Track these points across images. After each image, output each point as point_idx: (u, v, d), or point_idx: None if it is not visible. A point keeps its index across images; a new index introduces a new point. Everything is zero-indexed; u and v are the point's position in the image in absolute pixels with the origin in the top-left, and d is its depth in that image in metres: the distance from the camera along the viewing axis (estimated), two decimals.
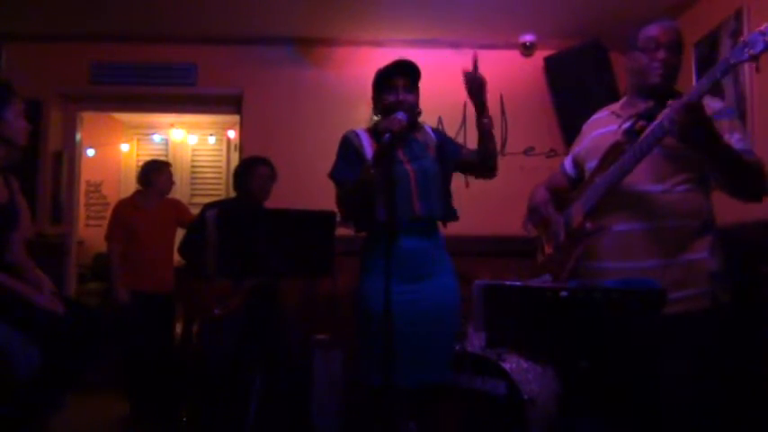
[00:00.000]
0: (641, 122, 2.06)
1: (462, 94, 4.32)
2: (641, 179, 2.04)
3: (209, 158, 6.79)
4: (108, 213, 4.56)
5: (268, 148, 3.99)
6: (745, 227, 2.57)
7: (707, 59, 3.43)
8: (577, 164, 2.36)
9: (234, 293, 3.43)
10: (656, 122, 1.94)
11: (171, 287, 4.21)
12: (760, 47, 1.69)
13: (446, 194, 2.49)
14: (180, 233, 4.09)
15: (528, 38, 4.32)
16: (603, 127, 2.22)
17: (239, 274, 2.95)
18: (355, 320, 2.47)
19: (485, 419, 2.17)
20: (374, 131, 2.49)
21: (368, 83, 2.54)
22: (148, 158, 5.01)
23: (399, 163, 2.39)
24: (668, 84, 2.10)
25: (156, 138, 6.76)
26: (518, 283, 2.00)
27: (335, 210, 2.51)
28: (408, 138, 2.45)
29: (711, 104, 2.01)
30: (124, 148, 6.73)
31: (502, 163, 4.33)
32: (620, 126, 2.14)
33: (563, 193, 2.37)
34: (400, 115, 2.34)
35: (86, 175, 5.87)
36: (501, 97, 4.45)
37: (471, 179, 4.25)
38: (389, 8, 3.94)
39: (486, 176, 2.56)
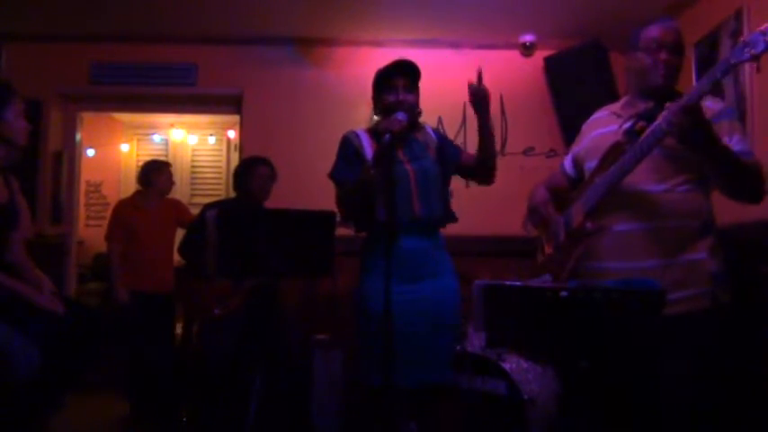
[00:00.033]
0: (641, 123, 2.06)
1: (462, 94, 4.32)
2: (642, 179, 2.04)
3: (209, 158, 6.79)
4: (108, 213, 4.56)
5: (268, 148, 3.99)
6: (744, 227, 2.57)
7: (707, 59, 3.43)
8: (577, 164, 2.36)
9: (234, 293, 3.43)
10: (655, 123, 1.94)
11: (171, 287, 4.21)
12: (761, 47, 1.69)
13: (445, 196, 2.49)
14: (180, 233, 4.10)
15: (528, 38, 4.32)
16: (603, 127, 2.22)
17: (239, 274, 2.95)
18: (355, 320, 2.47)
19: (485, 419, 2.17)
20: (374, 132, 2.49)
21: (368, 83, 2.54)
22: (148, 158, 5.02)
23: (399, 163, 2.39)
24: (670, 84, 2.10)
25: (156, 138, 6.77)
26: (518, 283, 2.00)
27: (335, 210, 2.51)
28: (408, 138, 2.45)
29: (711, 105, 2.01)
30: (124, 148, 6.73)
31: (502, 163, 4.33)
32: (620, 126, 2.14)
33: (563, 192, 2.37)
34: (400, 115, 2.34)
35: (86, 175, 5.88)
36: (501, 97, 4.45)
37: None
38: (389, 8, 3.94)
39: (485, 182, 2.56)
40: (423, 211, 2.38)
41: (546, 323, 1.86)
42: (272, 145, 4.21)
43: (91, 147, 6.26)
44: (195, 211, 4.01)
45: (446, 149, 2.55)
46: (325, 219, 2.50)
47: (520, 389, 2.10)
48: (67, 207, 4.59)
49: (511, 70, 4.45)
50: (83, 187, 5.83)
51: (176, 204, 4.46)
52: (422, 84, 2.51)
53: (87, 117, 5.01)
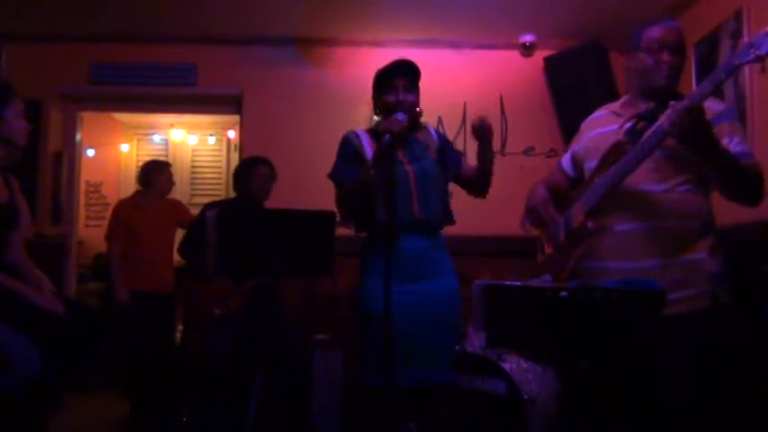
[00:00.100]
0: (642, 123, 2.06)
1: (462, 94, 4.33)
2: (643, 179, 2.04)
3: (209, 158, 6.79)
4: (108, 213, 4.56)
5: (268, 148, 3.99)
6: (744, 227, 2.57)
7: (707, 60, 3.44)
8: (576, 163, 2.35)
9: (234, 293, 3.43)
10: (657, 123, 1.94)
11: (171, 287, 4.21)
12: (766, 48, 1.69)
13: (445, 197, 2.49)
14: (180, 233, 4.10)
15: (528, 38, 4.32)
16: (603, 126, 2.22)
17: (239, 274, 2.95)
18: (355, 320, 2.47)
19: (485, 419, 2.17)
20: (374, 132, 2.49)
21: (368, 83, 2.54)
22: (148, 159, 5.02)
23: (399, 164, 2.39)
24: (672, 85, 2.10)
25: (156, 138, 6.76)
26: (518, 283, 2.00)
27: (335, 210, 2.51)
28: (409, 138, 2.45)
29: (712, 106, 2.01)
30: (124, 148, 6.73)
31: (502, 163, 4.40)
32: (621, 126, 2.13)
33: (561, 192, 2.37)
34: (400, 116, 2.34)
35: (86, 175, 5.88)
36: (501, 97, 4.45)
37: None
38: (389, 8, 3.94)
39: (479, 196, 2.57)
40: (422, 212, 2.38)
41: (546, 323, 1.86)
42: (272, 145, 4.21)
43: (91, 147, 6.25)
44: (195, 211, 4.01)
45: (447, 153, 2.55)
46: (325, 219, 2.50)
47: (520, 389, 2.10)
48: (67, 207, 4.60)
49: (511, 70, 4.45)
50: (83, 187, 5.83)
51: (176, 204, 4.46)
52: (422, 84, 2.51)
53: (87, 117, 5.01)
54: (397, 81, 2.43)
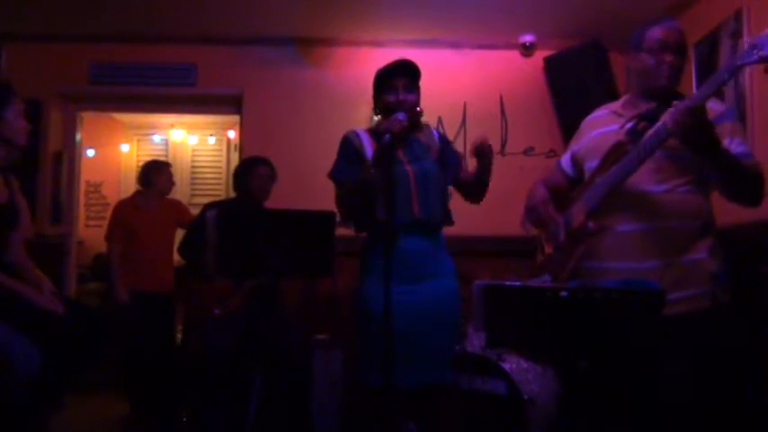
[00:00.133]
0: (643, 123, 2.06)
1: (462, 94, 4.33)
2: (643, 180, 2.04)
3: (209, 158, 6.79)
4: (108, 213, 4.56)
5: (268, 148, 3.99)
6: (744, 227, 2.57)
7: (707, 60, 3.44)
8: (576, 163, 2.35)
9: (234, 293, 3.43)
10: (659, 123, 1.94)
11: (171, 287, 4.21)
12: None
13: (445, 197, 2.49)
14: (180, 233, 4.10)
15: (528, 38, 4.33)
16: (604, 126, 2.22)
17: (239, 274, 2.96)
18: (355, 321, 2.47)
19: (485, 419, 2.17)
20: (375, 132, 2.49)
21: (368, 83, 2.54)
22: (148, 159, 5.01)
23: (400, 164, 2.39)
24: (673, 86, 2.11)
25: (156, 138, 6.76)
26: (518, 283, 2.00)
27: (335, 210, 2.51)
28: (409, 138, 2.45)
29: (713, 107, 2.01)
30: (124, 148, 6.72)
31: (502, 163, 4.40)
32: (622, 126, 2.13)
33: (560, 191, 2.37)
34: (400, 116, 2.34)
35: (86, 175, 5.88)
36: (501, 97, 4.45)
37: None
38: (389, 8, 3.94)
39: (472, 201, 2.58)
40: (422, 213, 2.38)
41: (546, 323, 1.86)
42: (272, 145, 4.21)
43: (91, 147, 6.25)
44: (195, 211, 4.01)
45: (447, 154, 2.55)
46: (325, 219, 2.50)
47: (520, 389, 2.09)
48: (67, 207, 4.59)
49: (511, 70, 4.45)
50: (83, 187, 5.83)
51: (176, 205, 4.46)
52: (422, 84, 2.51)
53: (87, 117, 5.01)
54: (398, 81, 2.43)
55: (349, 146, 2.49)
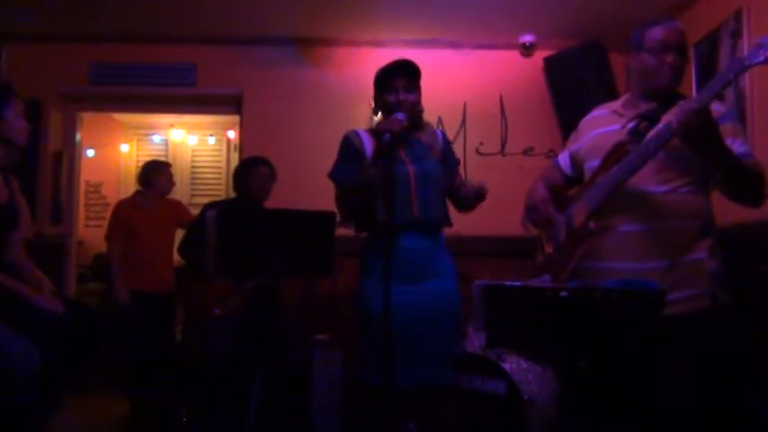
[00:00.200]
0: (644, 123, 2.06)
1: (462, 94, 4.33)
2: (645, 180, 2.04)
3: (209, 159, 6.79)
4: (108, 214, 4.56)
5: (268, 148, 3.99)
6: (744, 227, 2.57)
7: (707, 60, 3.44)
8: (576, 162, 2.35)
9: (234, 293, 3.43)
10: (662, 123, 1.94)
11: (171, 287, 4.21)
12: None
13: (445, 198, 2.49)
14: (180, 233, 4.10)
15: (528, 38, 4.33)
16: (604, 126, 2.22)
17: (239, 274, 2.95)
18: (355, 321, 2.47)
19: (485, 419, 2.17)
20: (375, 132, 2.49)
21: (368, 83, 2.54)
22: (148, 159, 5.02)
23: (401, 163, 2.38)
24: (674, 86, 2.11)
25: (156, 138, 6.76)
26: (518, 283, 2.00)
27: (335, 210, 2.50)
28: (410, 138, 2.44)
29: (715, 107, 2.01)
30: (124, 148, 6.73)
31: (502, 163, 4.40)
32: (623, 126, 2.13)
33: (558, 190, 2.37)
34: (400, 116, 2.34)
35: (86, 175, 5.88)
36: (501, 97, 4.45)
37: (471, 179, 4.25)
38: (389, 8, 3.94)
39: (460, 211, 2.57)
40: (421, 212, 2.38)
41: (546, 323, 1.86)
42: (272, 145, 4.21)
43: (91, 147, 6.25)
44: (195, 211, 4.01)
45: (449, 158, 2.55)
46: (325, 219, 2.50)
47: (520, 389, 2.10)
48: (67, 207, 4.59)
49: (511, 70, 4.46)
50: (83, 187, 5.83)
51: (176, 205, 4.46)
52: (422, 84, 2.51)
53: (87, 117, 5.01)
54: (398, 81, 2.43)
55: (349, 146, 2.49)
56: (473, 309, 2.10)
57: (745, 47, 3.12)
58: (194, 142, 6.76)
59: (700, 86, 3.46)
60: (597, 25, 4.00)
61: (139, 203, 4.30)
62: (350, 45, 4.42)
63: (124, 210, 4.29)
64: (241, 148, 4.55)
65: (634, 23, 2.20)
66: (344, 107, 4.34)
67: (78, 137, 4.75)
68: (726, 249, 2.10)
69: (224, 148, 6.74)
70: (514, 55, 4.43)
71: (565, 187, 2.38)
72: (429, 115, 2.57)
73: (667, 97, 2.09)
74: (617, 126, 2.15)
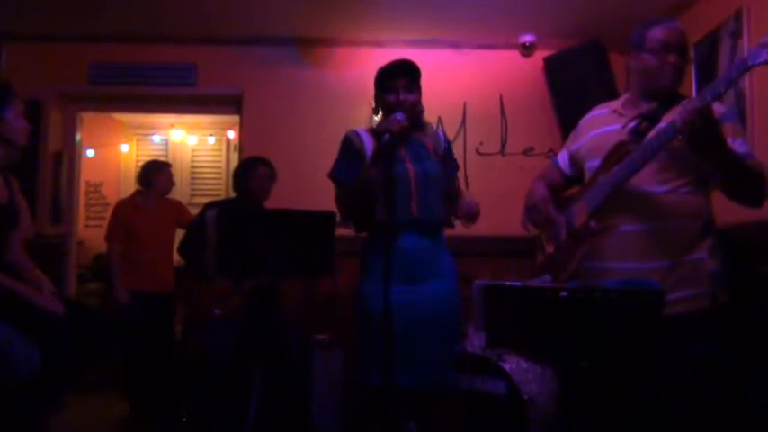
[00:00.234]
0: (645, 123, 2.06)
1: (462, 94, 4.33)
2: (646, 180, 2.04)
3: (209, 159, 6.79)
4: (108, 214, 4.56)
5: (268, 149, 3.99)
6: (744, 227, 2.57)
7: (707, 60, 3.44)
8: (575, 161, 2.35)
9: (234, 293, 3.43)
10: (665, 123, 1.94)
11: (171, 287, 4.21)
12: None
13: (445, 199, 2.49)
14: (180, 233, 4.10)
15: (528, 38, 4.32)
16: (605, 126, 2.21)
17: (239, 274, 2.95)
18: (355, 321, 2.47)
19: (485, 419, 2.17)
20: (375, 132, 2.49)
21: (368, 83, 2.54)
22: (148, 159, 5.01)
23: (401, 162, 2.38)
24: (675, 87, 2.11)
25: (156, 138, 6.76)
26: (518, 283, 2.00)
27: (335, 210, 2.50)
28: (411, 138, 2.44)
29: (714, 107, 2.01)
30: (124, 148, 6.73)
31: (502, 163, 4.40)
32: (624, 126, 2.13)
33: (558, 190, 2.37)
34: (399, 116, 2.34)
35: (86, 175, 5.88)
36: (501, 97, 4.45)
37: (471, 179, 4.26)
38: (389, 8, 3.94)
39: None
40: (421, 212, 2.38)
41: (546, 323, 1.86)
42: (272, 145, 4.21)
43: (91, 147, 6.25)
44: (195, 211, 4.01)
45: (448, 161, 2.55)
46: (325, 219, 2.50)
47: (520, 389, 2.10)
48: (67, 207, 4.59)
49: (511, 70, 4.45)
50: (82, 187, 5.83)
51: (176, 205, 4.46)
52: (422, 84, 2.51)
53: (87, 117, 5.01)
54: (398, 81, 2.43)
55: (349, 146, 2.49)
56: (473, 309, 2.10)
57: (745, 47, 3.12)
58: (194, 142, 6.76)
59: (700, 86, 3.46)
60: (597, 25, 4.00)
61: (139, 203, 4.30)
62: (350, 45, 4.42)
63: (124, 210, 4.29)
64: (241, 148, 4.55)
65: (634, 23, 2.20)
66: (344, 107, 4.34)
67: (78, 137, 4.75)
68: (726, 249, 2.10)
69: (224, 148, 6.74)
70: (514, 55, 4.43)
71: (564, 187, 2.38)
72: (429, 115, 2.57)
73: (668, 97, 2.09)
74: (618, 126, 2.15)
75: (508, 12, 3.95)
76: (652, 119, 2.06)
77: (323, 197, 2.65)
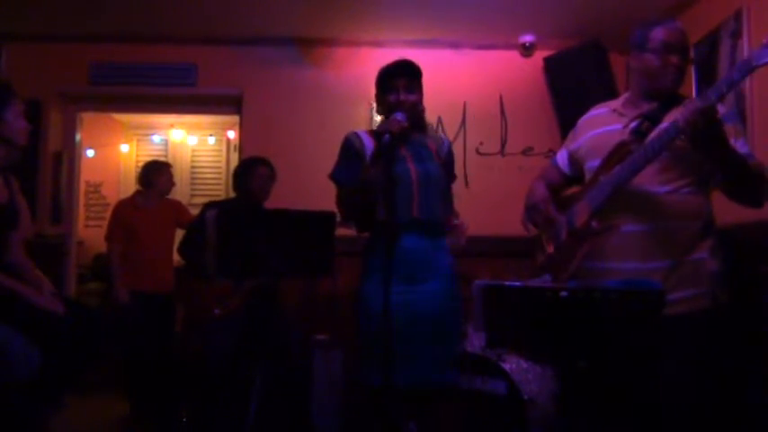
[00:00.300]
0: (647, 123, 2.06)
1: (462, 94, 4.33)
2: (647, 180, 2.04)
3: (209, 159, 6.79)
4: (108, 214, 4.56)
5: (268, 149, 3.99)
6: (744, 227, 2.57)
7: (707, 60, 3.44)
8: (575, 161, 2.35)
9: (234, 293, 3.43)
10: (667, 123, 1.94)
11: (171, 287, 4.21)
12: None
13: (446, 201, 2.49)
14: (180, 233, 4.10)
15: (528, 38, 4.32)
16: (605, 125, 2.21)
17: (239, 274, 2.95)
18: (355, 320, 2.47)
19: (485, 419, 2.17)
20: (375, 133, 2.49)
21: (368, 83, 2.54)
22: (148, 159, 5.02)
23: (402, 162, 2.38)
24: (677, 87, 2.11)
25: (156, 138, 6.77)
26: (518, 283, 2.00)
27: (336, 210, 2.50)
28: (412, 138, 2.44)
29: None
30: (124, 148, 6.73)
31: (502, 163, 4.40)
32: (625, 126, 2.13)
33: (557, 189, 2.37)
34: (399, 116, 2.33)
35: (86, 175, 5.88)
36: (501, 97, 4.45)
37: (471, 179, 4.26)
38: (389, 8, 3.94)
39: None
40: (422, 212, 2.38)
41: (546, 323, 1.86)
42: (272, 145, 4.21)
43: (91, 147, 6.25)
44: (195, 211, 4.01)
45: (449, 168, 2.56)
46: (325, 219, 2.50)
47: (520, 389, 2.10)
48: (67, 207, 4.59)
49: (511, 70, 4.46)
50: (82, 187, 5.83)
51: (176, 205, 4.46)
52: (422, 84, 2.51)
53: (87, 117, 5.01)
54: (398, 81, 2.42)
55: (350, 147, 2.49)
56: (473, 309, 2.10)
57: (744, 47, 3.12)
58: (194, 142, 6.76)
59: (700, 86, 3.46)
60: (597, 25, 4.00)
61: (139, 203, 4.30)
62: (350, 45, 4.42)
63: (124, 210, 4.29)
64: (241, 148, 4.55)
65: (634, 23, 2.20)
66: (344, 107, 4.34)
67: (78, 137, 4.75)
68: (726, 249, 2.10)
69: (224, 148, 6.74)
70: (514, 55, 4.43)
71: (563, 186, 2.38)
72: (429, 115, 2.57)
73: (668, 97, 2.09)
74: (618, 126, 2.15)
75: (508, 12, 3.95)
76: (653, 119, 2.05)
77: (323, 197, 2.65)
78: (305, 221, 2.53)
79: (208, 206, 3.52)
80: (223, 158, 6.75)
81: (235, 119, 4.98)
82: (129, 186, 5.98)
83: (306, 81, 4.44)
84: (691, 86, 3.46)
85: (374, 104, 2.57)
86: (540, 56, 4.36)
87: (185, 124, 6.69)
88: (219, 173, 6.71)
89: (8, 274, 2.32)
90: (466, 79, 4.46)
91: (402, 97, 2.41)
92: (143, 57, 4.48)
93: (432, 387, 2.36)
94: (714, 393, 2.02)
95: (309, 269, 2.67)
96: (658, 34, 2.08)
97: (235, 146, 6.05)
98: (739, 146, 1.99)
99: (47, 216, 4.43)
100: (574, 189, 2.34)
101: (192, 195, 6.47)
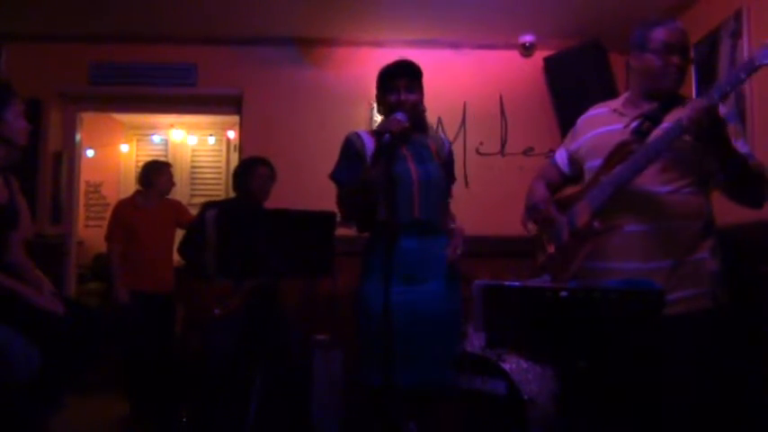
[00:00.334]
0: (648, 123, 2.06)
1: (462, 94, 4.34)
2: (648, 180, 2.04)
3: (209, 159, 6.79)
4: (108, 214, 4.56)
5: (268, 149, 3.99)
6: (744, 227, 2.57)
7: (707, 60, 3.44)
8: (574, 161, 2.34)
9: (234, 293, 3.43)
10: (669, 123, 1.95)
11: (171, 287, 4.21)
12: None
13: (446, 202, 2.49)
14: (180, 233, 4.10)
15: (528, 38, 4.32)
16: (606, 125, 2.21)
17: (239, 274, 2.95)
18: (355, 321, 2.47)
19: (485, 419, 2.17)
20: (375, 133, 2.49)
21: (368, 83, 2.54)
22: (148, 159, 5.02)
23: (403, 162, 2.38)
24: (678, 87, 2.11)
25: (156, 138, 6.77)
26: (518, 284, 2.00)
27: (336, 210, 2.51)
28: (412, 138, 2.44)
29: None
30: (124, 148, 6.73)
31: (502, 163, 4.40)
32: (626, 125, 2.13)
33: (556, 189, 2.37)
34: (399, 116, 2.34)
35: (86, 175, 5.88)
36: (501, 97, 4.45)
37: (471, 179, 4.26)
38: (389, 8, 3.94)
39: None
40: (422, 213, 2.38)
41: (546, 323, 1.86)
42: (272, 145, 4.21)
43: (91, 147, 6.25)
44: (195, 211, 4.02)
45: (449, 170, 2.56)
46: (325, 219, 2.50)
47: (520, 389, 2.10)
48: (67, 207, 4.59)
49: (511, 70, 4.45)
50: (82, 187, 5.83)
51: (176, 205, 4.46)
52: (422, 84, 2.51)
53: (87, 117, 5.01)
54: (399, 81, 2.43)
55: (350, 147, 2.49)
56: (473, 309, 2.10)
57: (744, 47, 3.12)
58: (194, 142, 6.76)
59: (700, 86, 3.46)
60: (597, 25, 4.00)
61: (139, 203, 4.30)
62: (350, 45, 4.42)
63: (124, 210, 4.30)
64: (241, 148, 4.55)
65: (634, 23, 2.20)
66: (344, 107, 4.34)
67: (78, 137, 4.75)
68: (726, 249, 2.10)
69: (224, 148, 6.75)
70: (514, 55, 4.43)
71: (562, 185, 2.38)
72: (429, 115, 2.57)
73: (668, 98, 2.09)
74: (619, 125, 2.15)
75: (508, 12, 3.95)
76: (654, 119, 2.06)
77: (323, 197, 2.65)
78: (305, 221, 2.54)
79: (207, 206, 3.52)
80: (223, 158, 6.75)
81: (235, 119, 4.98)
82: (129, 186, 5.98)
83: (306, 81, 4.44)
84: (691, 86, 3.46)
85: (374, 104, 2.57)
86: (540, 56, 4.36)
87: (185, 124, 6.69)
88: (219, 173, 6.71)
89: (8, 274, 2.32)
90: (466, 79, 4.46)
91: (403, 97, 2.41)
92: (143, 57, 4.48)
93: (432, 387, 2.36)
94: (714, 393, 2.02)
95: (309, 269, 2.67)
96: (659, 34, 2.08)
97: (235, 146, 6.05)
98: (739, 146, 1.99)
99: (47, 216, 4.43)
100: (572, 189, 2.33)
101: (192, 195, 6.47)
